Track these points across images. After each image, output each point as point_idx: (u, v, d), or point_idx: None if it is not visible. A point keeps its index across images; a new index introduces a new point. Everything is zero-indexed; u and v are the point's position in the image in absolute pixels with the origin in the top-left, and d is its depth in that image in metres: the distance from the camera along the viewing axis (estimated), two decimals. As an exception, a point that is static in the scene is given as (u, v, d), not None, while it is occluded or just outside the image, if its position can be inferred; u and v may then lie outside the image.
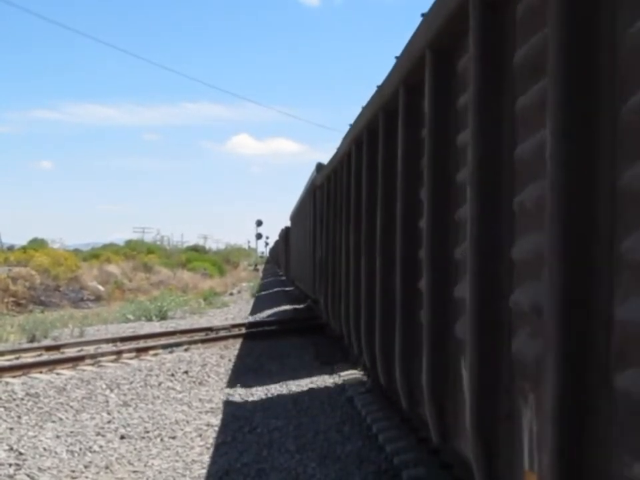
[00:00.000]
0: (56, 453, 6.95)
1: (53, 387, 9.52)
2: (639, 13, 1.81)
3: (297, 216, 20.48)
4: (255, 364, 11.79)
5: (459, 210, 3.37)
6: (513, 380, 2.59)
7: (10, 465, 6.53)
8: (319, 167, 11.76)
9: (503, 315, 2.63)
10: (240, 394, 9.62)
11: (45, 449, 7.06)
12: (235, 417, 8.29)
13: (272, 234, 75.55)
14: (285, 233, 29.52)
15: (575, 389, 1.97)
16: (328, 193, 9.32)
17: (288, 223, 28.10)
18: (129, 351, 12.43)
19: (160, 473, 6.40)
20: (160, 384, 10.21)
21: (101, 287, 31.21)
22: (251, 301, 26.66)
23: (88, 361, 11.44)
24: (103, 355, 11.95)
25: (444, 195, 3.51)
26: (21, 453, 6.88)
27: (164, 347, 12.92)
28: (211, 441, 7.39)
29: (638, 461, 1.75)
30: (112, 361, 11.61)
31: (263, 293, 30.56)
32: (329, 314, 9.13)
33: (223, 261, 54.52)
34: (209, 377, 10.83)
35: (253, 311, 21.28)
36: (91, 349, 12.83)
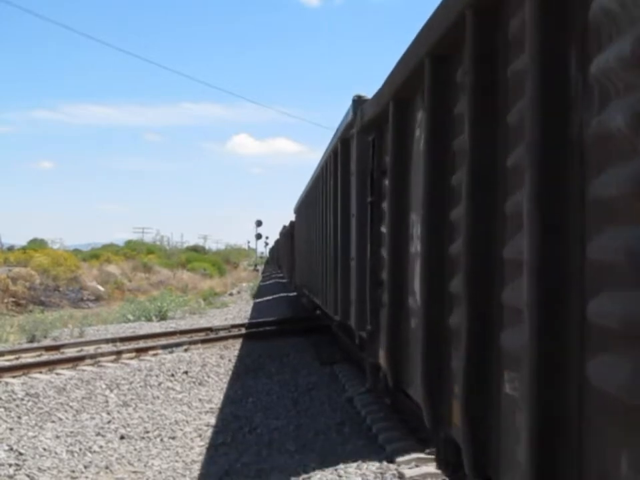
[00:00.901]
0: (56, 453, 6.96)
1: (52, 387, 9.52)
2: None
3: (307, 203, 14.95)
4: (254, 364, 11.80)
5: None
6: (588, 413, 2.01)
7: (10, 465, 6.54)
8: (358, 101, 6.95)
9: (573, 329, 2.12)
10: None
11: (44, 449, 7.06)
12: None
13: (272, 234, 75.53)
14: (290, 230, 24.52)
15: None
16: (398, 133, 4.68)
17: (289, 223, 25.09)
18: (129, 351, 12.43)
19: (160, 473, 6.40)
20: (160, 384, 10.21)
21: (100, 287, 31.24)
22: (251, 302, 26.63)
23: (88, 361, 11.44)
24: (102, 355, 11.95)
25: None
26: (20, 453, 6.89)
27: (164, 347, 12.92)
28: (211, 441, 7.40)
29: None
30: (112, 361, 11.61)
31: (261, 299, 26.88)
32: (401, 369, 4.61)
33: (223, 261, 54.54)
34: (208, 377, 10.84)
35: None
36: (90, 349, 12.83)
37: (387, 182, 5.05)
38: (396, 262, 4.61)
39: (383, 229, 5.21)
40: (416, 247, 4.10)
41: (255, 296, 28.88)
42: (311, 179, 13.92)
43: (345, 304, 7.92)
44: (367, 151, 6.17)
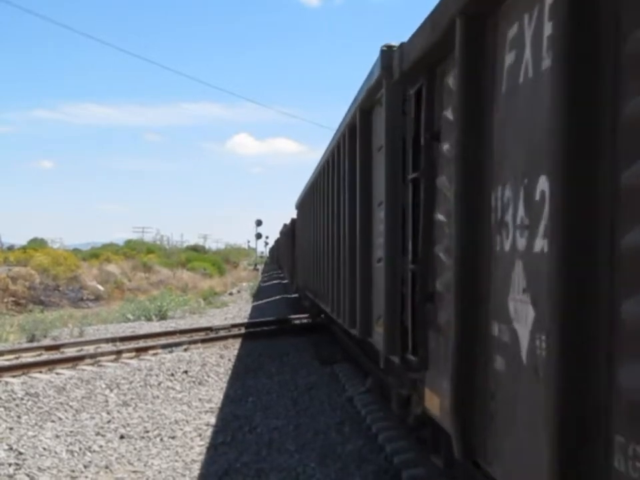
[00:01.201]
0: (55, 452, 6.95)
1: (52, 386, 9.52)
2: None
3: (313, 196, 12.72)
4: (254, 364, 11.79)
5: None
6: None
7: (10, 464, 6.54)
8: (388, 51, 5.19)
9: None
10: None
11: (44, 448, 7.06)
12: None
13: (272, 234, 75.57)
14: (291, 227, 22.27)
15: None
16: None
17: (290, 220, 23.16)
18: (129, 350, 12.43)
19: (159, 472, 6.40)
20: (159, 384, 10.21)
21: (100, 287, 31.22)
22: (251, 302, 26.61)
23: (87, 361, 11.44)
24: (102, 354, 11.95)
25: None
26: (20, 453, 6.89)
27: (164, 346, 12.92)
28: (210, 440, 7.39)
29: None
30: (111, 361, 11.61)
31: (262, 301, 25.44)
32: (475, 433, 3.10)
33: (223, 260, 54.53)
34: (208, 376, 10.84)
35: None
36: (90, 349, 12.83)
37: (444, 147, 3.66)
38: (469, 265, 3.08)
39: (440, 216, 3.74)
40: (513, 240, 2.67)
41: (255, 297, 28.85)
42: (317, 166, 11.73)
43: (366, 317, 6.33)
44: (401, 115, 4.78)
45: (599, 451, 1.94)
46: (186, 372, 10.92)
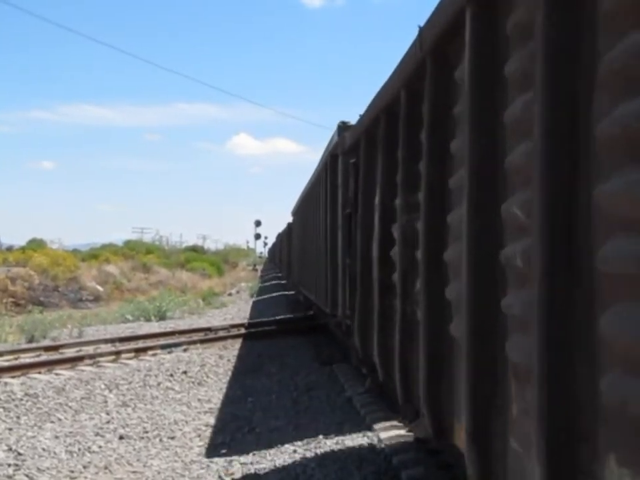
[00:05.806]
0: (55, 453, 6.95)
1: (51, 387, 9.51)
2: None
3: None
4: (254, 364, 11.79)
5: None
6: None
7: (9, 465, 6.53)
8: None
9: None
10: None
11: (43, 449, 7.05)
12: None
13: (270, 234, 75.45)
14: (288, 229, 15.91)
15: None
16: None
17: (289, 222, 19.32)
18: (128, 351, 12.43)
19: (159, 473, 6.39)
20: (159, 384, 10.20)
21: (99, 287, 31.21)
22: (250, 301, 26.60)
23: (87, 361, 11.44)
24: (101, 355, 11.95)
25: None
26: (20, 454, 6.88)
27: (163, 347, 12.92)
28: (210, 441, 7.39)
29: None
30: (111, 361, 11.61)
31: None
32: None
33: (222, 261, 54.47)
34: (207, 377, 10.83)
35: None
36: (89, 349, 12.82)
37: None
38: None
39: None
40: None
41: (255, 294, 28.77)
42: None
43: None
44: None
45: None
46: (185, 372, 10.92)
